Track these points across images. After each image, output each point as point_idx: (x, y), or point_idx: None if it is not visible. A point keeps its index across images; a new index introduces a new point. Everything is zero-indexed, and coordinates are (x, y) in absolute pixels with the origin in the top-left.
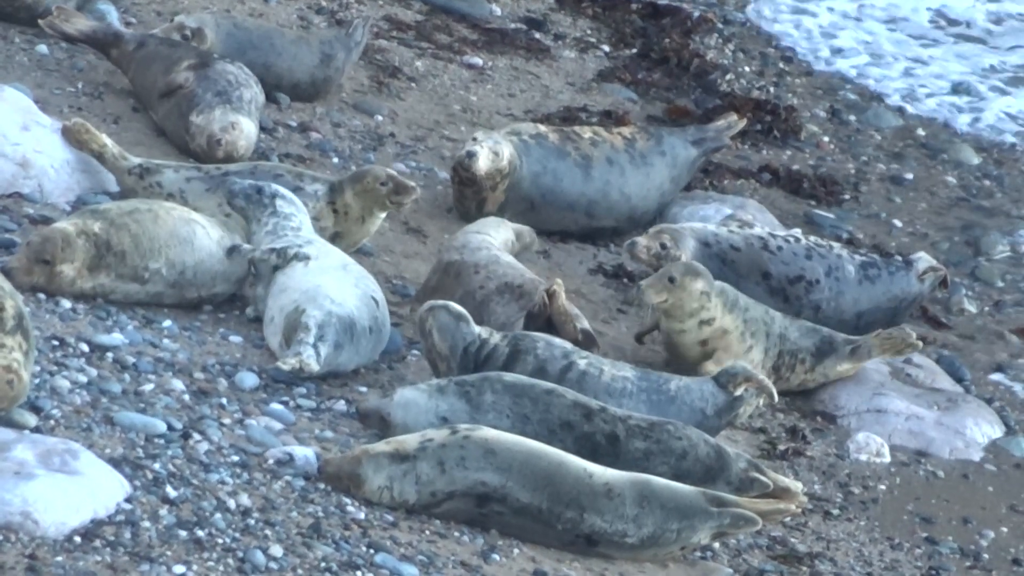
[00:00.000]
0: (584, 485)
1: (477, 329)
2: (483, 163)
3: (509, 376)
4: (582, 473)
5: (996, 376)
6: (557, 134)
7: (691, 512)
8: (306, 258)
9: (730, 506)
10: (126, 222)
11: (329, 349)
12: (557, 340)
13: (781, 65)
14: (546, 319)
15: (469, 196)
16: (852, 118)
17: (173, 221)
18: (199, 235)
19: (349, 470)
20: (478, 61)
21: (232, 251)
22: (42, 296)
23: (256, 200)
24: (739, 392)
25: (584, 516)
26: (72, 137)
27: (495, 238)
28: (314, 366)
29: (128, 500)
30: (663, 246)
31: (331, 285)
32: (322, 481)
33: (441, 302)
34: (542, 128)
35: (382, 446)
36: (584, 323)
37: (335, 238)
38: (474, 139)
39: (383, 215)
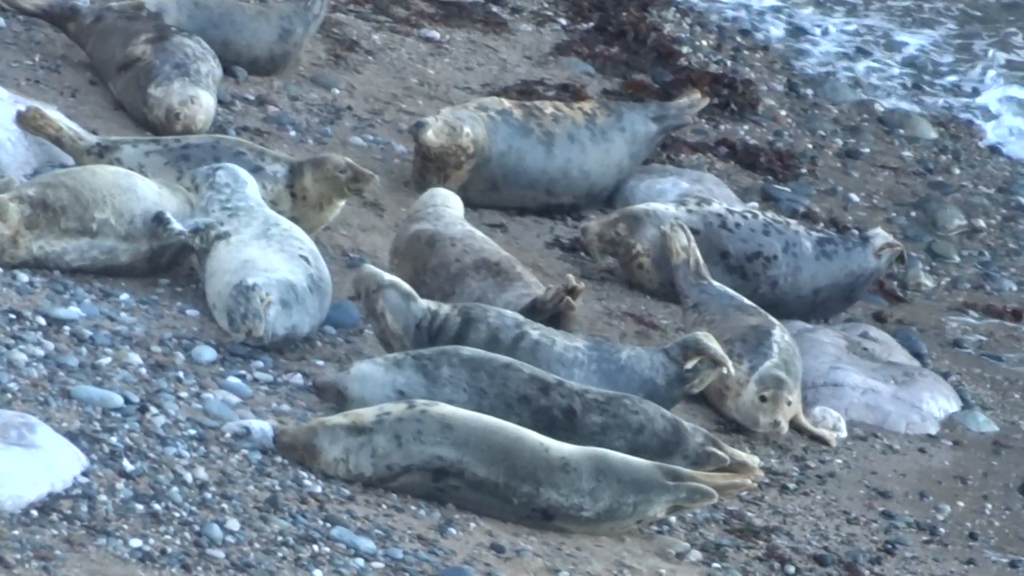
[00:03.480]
0: (540, 459)
1: (424, 303)
2: (432, 135)
3: (467, 350)
4: (538, 447)
5: (953, 350)
6: (521, 110)
7: (647, 486)
8: (225, 236)
9: (686, 480)
10: (61, 180)
11: (277, 307)
12: (508, 311)
13: (738, 39)
14: (554, 313)
15: (432, 171)
16: (809, 92)
17: (111, 173)
18: (140, 185)
19: (304, 440)
20: (435, 35)
21: (157, 219)
22: None
23: (204, 176)
24: (690, 365)
25: (540, 490)
26: (27, 124)
27: (459, 213)
28: (261, 330)
29: (85, 474)
30: (618, 234)
31: (257, 257)
32: (277, 452)
33: (388, 279)
34: (507, 103)
35: (339, 418)
36: None
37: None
38: (438, 114)
39: (341, 203)
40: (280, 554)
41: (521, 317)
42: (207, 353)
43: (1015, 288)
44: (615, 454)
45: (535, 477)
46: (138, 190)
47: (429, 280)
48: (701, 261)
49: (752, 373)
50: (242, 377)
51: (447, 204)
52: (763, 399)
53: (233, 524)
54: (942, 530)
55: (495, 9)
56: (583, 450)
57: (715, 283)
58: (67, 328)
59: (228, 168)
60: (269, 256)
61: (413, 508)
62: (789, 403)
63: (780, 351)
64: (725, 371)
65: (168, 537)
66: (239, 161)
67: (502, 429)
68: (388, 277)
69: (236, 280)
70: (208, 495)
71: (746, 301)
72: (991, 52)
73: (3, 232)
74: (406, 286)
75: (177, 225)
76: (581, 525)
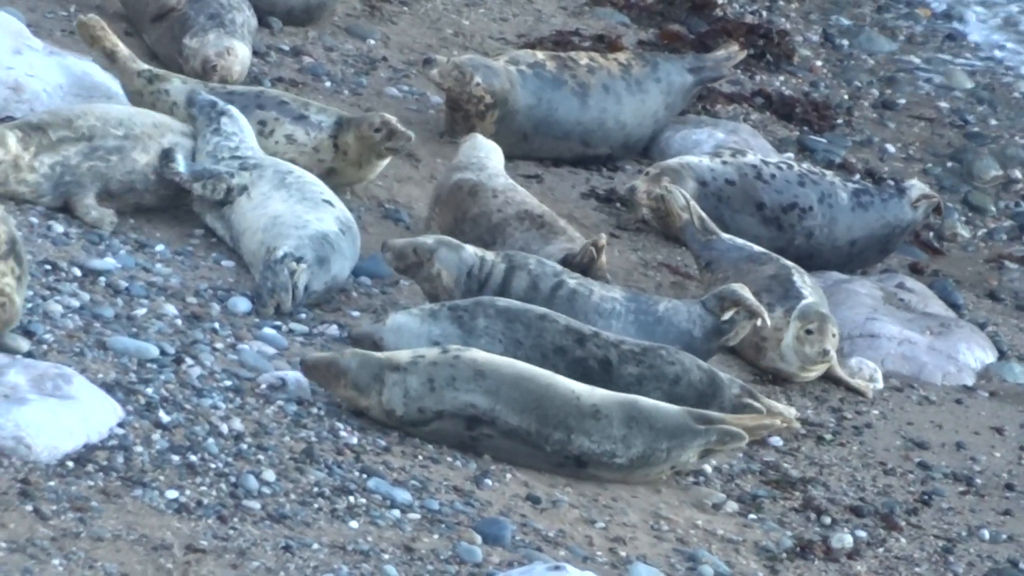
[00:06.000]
0: (571, 407)
1: (472, 250)
2: (437, 74)
3: (502, 301)
4: (570, 395)
5: (989, 301)
6: (555, 61)
7: (679, 431)
8: (244, 189)
9: (716, 423)
10: (37, 112)
11: (314, 269)
12: (547, 260)
13: None
14: (583, 270)
15: (459, 122)
16: (845, 43)
17: (83, 102)
18: (112, 104)
19: (330, 359)
20: None
21: (164, 155)
22: (35, 220)
23: (207, 113)
24: (727, 316)
25: (572, 437)
26: (86, 32)
27: (499, 165)
28: (288, 303)
29: (121, 425)
30: (662, 187)
31: (283, 211)
32: (303, 372)
33: (433, 240)
34: (540, 56)
35: (375, 354)
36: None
37: (330, 173)
38: (450, 58)
39: (383, 162)
40: (316, 505)
41: (559, 267)
42: (242, 304)
43: None
44: (647, 400)
45: (566, 424)
46: (112, 103)
47: (468, 229)
48: (705, 216)
49: (789, 316)
50: (278, 328)
51: (490, 156)
52: (808, 332)
53: (269, 475)
54: (979, 481)
55: None
56: (615, 397)
57: (724, 236)
58: (103, 279)
59: (231, 114)
60: (295, 208)
61: (449, 459)
62: (834, 334)
63: (811, 291)
64: (760, 322)
65: (204, 488)
66: (283, 109)
67: (533, 376)
68: (432, 238)
69: (267, 244)
70: (244, 446)
71: (756, 249)
72: None
73: (4, 157)
74: (452, 240)
75: (181, 165)
76: (615, 472)
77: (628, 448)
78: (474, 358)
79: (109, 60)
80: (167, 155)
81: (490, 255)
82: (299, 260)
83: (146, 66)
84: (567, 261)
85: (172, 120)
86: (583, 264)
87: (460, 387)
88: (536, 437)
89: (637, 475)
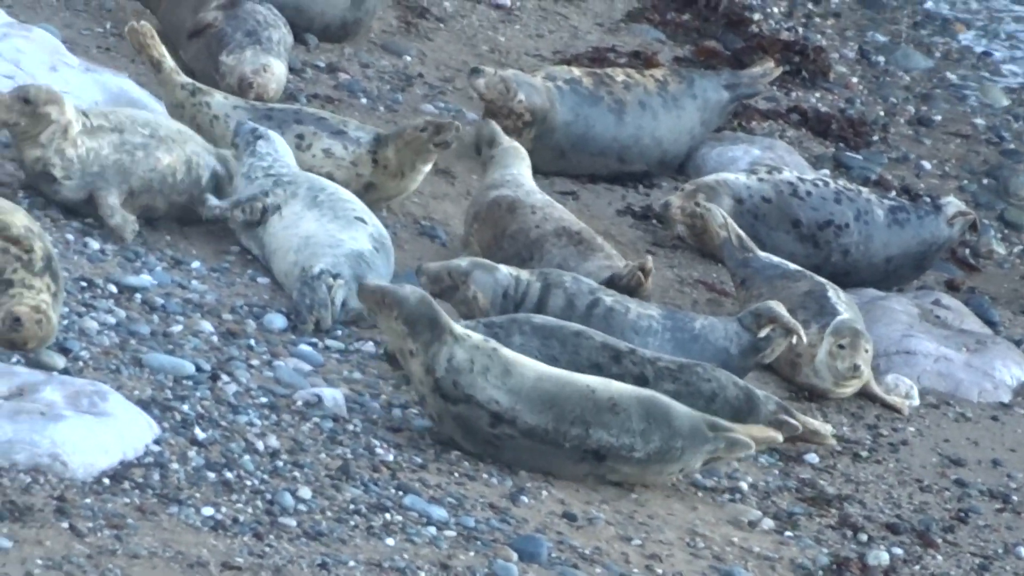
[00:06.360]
0: (588, 402)
1: (506, 270)
2: (483, 84)
3: (538, 318)
4: (585, 390)
5: None
6: (591, 78)
7: (693, 432)
8: (276, 208)
9: (725, 431)
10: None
11: (351, 285)
12: (583, 277)
13: (810, 6)
14: (629, 292)
15: None
16: (881, 59)
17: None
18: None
19: (389, 286)
20: (506, 1)
21: (203, 203)
22: (71, 237)
23: (245, 139)
24: (763, 333)
25: (590, 432)
26: (136, 39)
27: (530, 178)
28: (328, 320)
29: (157, 442)
30: (698, 204)
31: (316, 231)
32: (357, 295)
33: (467, 263)
34: (576, 72)
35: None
36: None
37: (368, 188)
38: (497, 71)
39: (426, 167)
40: (352, 522)
41: (595, 284)
42: (278, 321)
43: None
44: (664, 397)
45: (583, 419)
46: (141, 109)
47: (507, 246)
48: (742, 234)
49: (824, 333)
50: (313, 345)
51: (522, 172)
52: (841, 347)
53: (305, 492)
54: (1015, 498)
55: None
56: (632, 391)
57: (760, 253)
58: (138, 296)
59: (268, 137)
60: (327, 227)
61: (485, 476)
62: (867, 350)
63: (846, 307)
64: (796, 339)
65: (240, 505)
66: (322, 125)
67: (551, 376)
68: (466, 261)
69: (301, 264)
70: (280, 463)
71: (791, 267)
72: None
73: (55, 115)
74: (486, 261)
75: (215, 201)
76: (632, 466)
77: (647, 442)
78: (507, 356)
79: (155, 69)
80: (203, 200)
81: (525, 274)
82: (336, 276)
83: (189, 79)
84: (612, 282)
85: (194, 132)
86: (629, 287)
87: (491, 379)
88: (554, 435)
89: (652, 471)
